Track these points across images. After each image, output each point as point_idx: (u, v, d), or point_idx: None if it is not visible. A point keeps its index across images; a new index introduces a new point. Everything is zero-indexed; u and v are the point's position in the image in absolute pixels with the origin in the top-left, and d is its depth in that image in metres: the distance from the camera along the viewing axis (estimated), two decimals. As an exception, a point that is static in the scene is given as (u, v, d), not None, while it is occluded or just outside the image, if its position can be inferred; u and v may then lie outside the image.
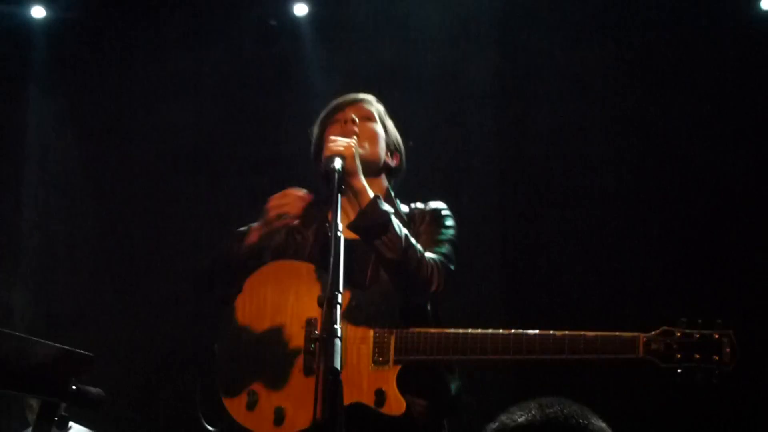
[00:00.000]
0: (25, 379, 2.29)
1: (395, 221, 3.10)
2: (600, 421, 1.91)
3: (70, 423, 5.12)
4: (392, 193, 3.42)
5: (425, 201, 3.45)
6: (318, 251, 3.24)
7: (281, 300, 3.18)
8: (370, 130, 3.36)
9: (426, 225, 3.31)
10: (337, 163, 3.01)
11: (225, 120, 6.06)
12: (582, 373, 4.11)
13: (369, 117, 3.39)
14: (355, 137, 3.22)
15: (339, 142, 3.11)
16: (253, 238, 3.23)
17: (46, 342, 2.32)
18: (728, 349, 3.02)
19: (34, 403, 5.38)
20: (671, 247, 5.39)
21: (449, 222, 3.35)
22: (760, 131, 5.33)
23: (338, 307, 2.52)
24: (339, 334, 2.46)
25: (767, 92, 5.33)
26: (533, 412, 1.91)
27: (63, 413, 2.41)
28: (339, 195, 2.87)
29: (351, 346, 3.09)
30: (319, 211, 3.31)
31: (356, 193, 3.12)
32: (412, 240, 3.11)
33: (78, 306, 6.09)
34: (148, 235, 6.06)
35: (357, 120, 3.34)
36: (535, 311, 5.13)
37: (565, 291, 5.38)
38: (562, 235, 5.53)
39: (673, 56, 5.45)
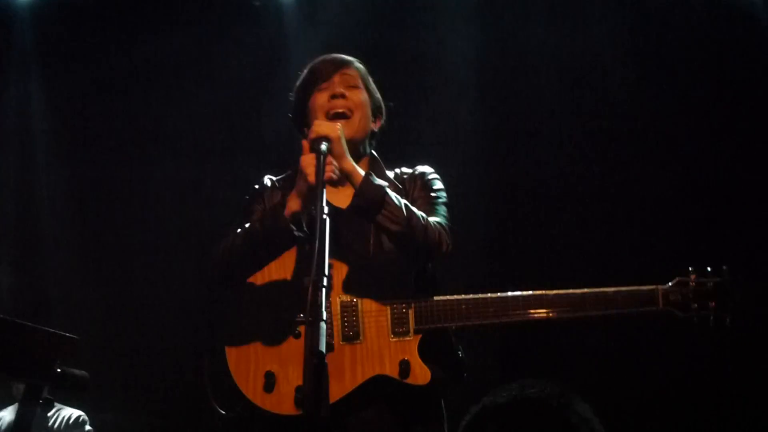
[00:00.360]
0: (9, 362, 2.30)
1: (392, 193, 3.12)
2: (583, 402, 1.94)
3: (59, 405, 5.14)
4: (377, 158, 3.42)
5: (411, 165, 3.45)
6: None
7: (288, 282, 3.16)
8: (357, 100, 3.34)
9: (419, 190, 3.32)
10: (323, 146, 3.01)
11: (209, 100, 6.03)
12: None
13: (355, 84, 3.36)
14: (339, 124, 3.19)
15: (324, 126, 3.11)
16: (294, 206, 3.08)
17: (31, 324, 2.32)
18: (740, 295, 3.13)
19: (22, 385, 5.37)
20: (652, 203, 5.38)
21: (439, 184, 3.37)
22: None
23: (323, 290, 2.50)
24: (324, 317, 2.44)
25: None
26: (514, 393, 1.95)
27: (48, 396, 2.40)
28: (324, 177, 2.87)
29: (368, 318, 3.11)
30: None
31: (347, 175, 3.12)
32: (413, 208, 3.13)
33: (63, 289, 6.07)
34: (134, 216, 6.04)
35: (345, 94, 3.31)
36: (530, 273, 5.14)
37: (559, 250, 5.38)
38: (553, 194, 5.52)
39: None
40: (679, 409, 5.01)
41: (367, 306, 3.12)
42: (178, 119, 6.07)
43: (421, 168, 3.43)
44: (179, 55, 6.08)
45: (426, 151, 5.58)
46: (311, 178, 2.98)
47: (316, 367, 2.38)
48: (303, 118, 3.34)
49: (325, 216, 2.67)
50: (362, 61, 3.46)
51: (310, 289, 2.51)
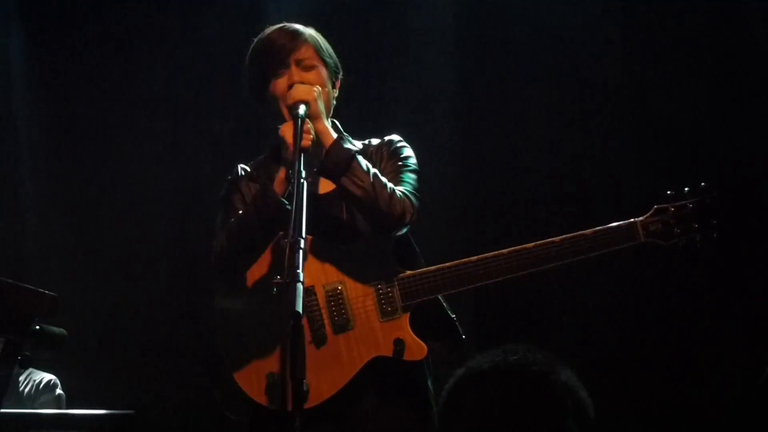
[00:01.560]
0: (-13, 318, 2.31)
1: (361, 159, 3.16)
2: (567, 370, 1.96)
3: (31, 369, 5.15)
4: (341, 130, 3.43)
5: (380, 136, 3.46)
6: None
7: (269, 271, 3.18)
8: (315, 78, 3.31)
9: (386, 161, 3.34)
10: (301, 110, 3.07)
11: (184, 63, 6.01)
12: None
13: (311, 65, 3.32)
14: (317, 87, 3.23)
15: (301, 89, 3.17)
16: (283, 179, 3.13)
17: (10, 281, 2.34)
18: (721, 209, 3.11)
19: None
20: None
21: (407, 152, 3.37)
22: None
23: (300, 252, 2.55)
24: (301, 279, 2.48)
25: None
26: (497, 359, 1.96)
27: (26, 353, 2.43)
28: (301, 142, 2.91)
29: (355, 304, 3.15)
30: (270, 166, 3.32)
31: (319, 135, 3.16)
32: (381, 176, 3.16)
33: (43, 246, 6.07)
34: (116, 178, 6.04)
35: (302, 79, 3.27)
36: (508, 232, 5.15)
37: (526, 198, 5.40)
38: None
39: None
40: (670, 367, 4.98)
41: (352, 291, 3.16)
42: (165, 85, 6.04)
43: (389, 137, 3.44)
44: (168, 29, 6.03)
45: (401, 117, 5.55)
46: (289, 140, 3.03)
47: (292, 328, 2.40)
48: (263, 101, 3.36)
49: (303, 180, 2.73)
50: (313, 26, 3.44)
51: (287, 250, 2.56)
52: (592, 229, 3.16)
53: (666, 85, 5.25)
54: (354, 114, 3.59)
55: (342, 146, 3.16)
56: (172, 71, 6.00)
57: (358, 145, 3.40)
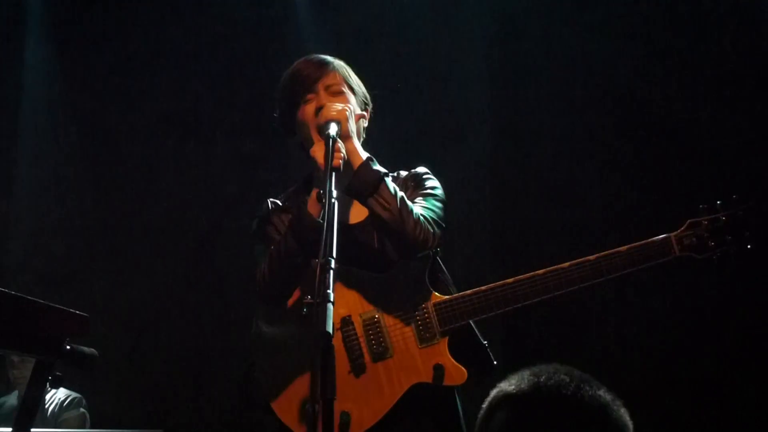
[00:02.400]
0: (20, 338, 2.31)
1: (389, 181, 3.16)
2: (599, 386, 1.90)
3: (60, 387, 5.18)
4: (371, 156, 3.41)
5: (408, 168, 3.45)
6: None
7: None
8: (344, 102, 3.31)
9: (412, 190, 3.34)
10: (332, 130, 3.06)
11: (216, 82, 6.08)
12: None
13: (339, 91, 3.32)
14: (348, 106, 3.24)
15: (332, 108, 3.16)
16: (314, 210, 3.12)
17: (41, 301, 2.35)
18: (754, 221, 3.12)
19: (16, 358, 5.42)
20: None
21: (434, 182, 3.38)
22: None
23: (331, 272, 2.54)
24: (332, 299, 2.47)
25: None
26: (524, 382, 1.91)
27: (57, 373, 2.44)
28: (332, 162, 2.90)
29: (393, 332, 3.13)
30: (300, 196, 3.32)
31: (349, 155, 3.15)
32: (407, 200, 3.16)
33: (72, 266, 6.13)
34: (141, 196, 6.10)
35: (337, 109, 3.24)
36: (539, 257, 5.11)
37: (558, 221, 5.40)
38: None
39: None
40: (708, 384, 4.93)
41: (390, 319, 3.15)
42: (187, 97, 6.11)
43: (416, 169, 3.44)
44: (189, 35, 6.10)
45: (430, 147, 5.57)
46: (320, 160, 3.03)
47: (323, 349, 2.39)
48: (291, 129, 3.37)
49: (334, 200, 2.73)
50: (342, 58, 3.45)
51: (318, 270, 2.55)
52: (626, 246, 3.14)
53: (696, 101, 5.24)
54: (386, 146, 3.59)
55: (371, 167, 3.17)
56: (201, 86, 6.04)
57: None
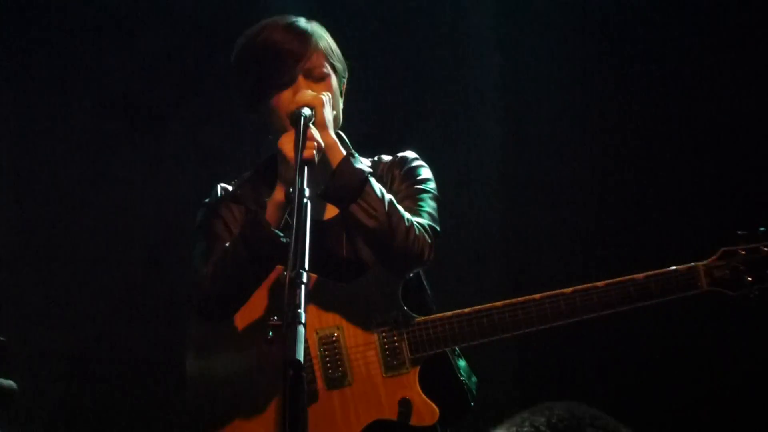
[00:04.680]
0: None
1: (374, 182, 2.89)
2: (621, 427, 1.78)
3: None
4: (350, 145, 3.16)
5: (391, 151, 3.20)
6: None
7: (261, 315, 2.87)
8: (326, 90, 3.02)
9: (399, 182, 3.07)
10: (306, 111, 2.77)
11: (167, 58, 5.66)
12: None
13: (321, 75, 3.04)
14: (326, 94, 2.95)
15: (308, 94, 2.87)
16: (278, 203, 2.79)
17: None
18: None
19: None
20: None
21: (425, 173, 3.12)
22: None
23: (303, 288, 2.26)
24: (303, 320, 2.20)
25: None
26: (541, 421, 1.76)
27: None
28: (303, 152, 2.61)
29: (354, 354, 2.86)
30: (258, 188, 3.04)
31: (325, 150, 2.85)
32: (396, 204, 2.89)
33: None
34: (78, 204, 5.67)
35: (312, 95, 2.95)
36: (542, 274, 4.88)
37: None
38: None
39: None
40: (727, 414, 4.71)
41: (351, 339, 2.88)
42: (136, 79, 5.70)
43: (403, 153, 3.18)
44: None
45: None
46: (289, 153, 2.72)
47: (291, 379, 2.10)
48: (257, 112, 3.08)
49: (306, 199, 2.39)
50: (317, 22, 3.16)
51: (287, 287, 2.25)
52: (643, 274, 2.86)
53: (736, 114, 5.00)
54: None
55: (353, 165, 2.90)
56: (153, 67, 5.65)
57: (366, 163, 3.14)
